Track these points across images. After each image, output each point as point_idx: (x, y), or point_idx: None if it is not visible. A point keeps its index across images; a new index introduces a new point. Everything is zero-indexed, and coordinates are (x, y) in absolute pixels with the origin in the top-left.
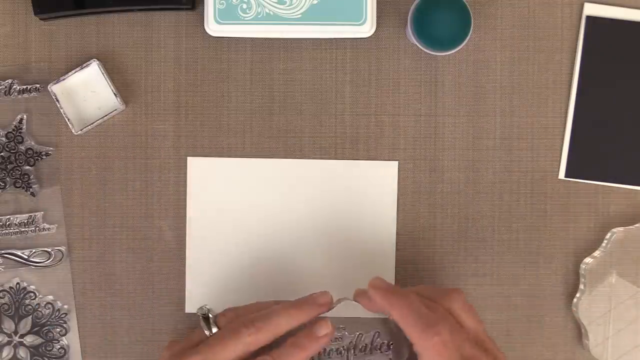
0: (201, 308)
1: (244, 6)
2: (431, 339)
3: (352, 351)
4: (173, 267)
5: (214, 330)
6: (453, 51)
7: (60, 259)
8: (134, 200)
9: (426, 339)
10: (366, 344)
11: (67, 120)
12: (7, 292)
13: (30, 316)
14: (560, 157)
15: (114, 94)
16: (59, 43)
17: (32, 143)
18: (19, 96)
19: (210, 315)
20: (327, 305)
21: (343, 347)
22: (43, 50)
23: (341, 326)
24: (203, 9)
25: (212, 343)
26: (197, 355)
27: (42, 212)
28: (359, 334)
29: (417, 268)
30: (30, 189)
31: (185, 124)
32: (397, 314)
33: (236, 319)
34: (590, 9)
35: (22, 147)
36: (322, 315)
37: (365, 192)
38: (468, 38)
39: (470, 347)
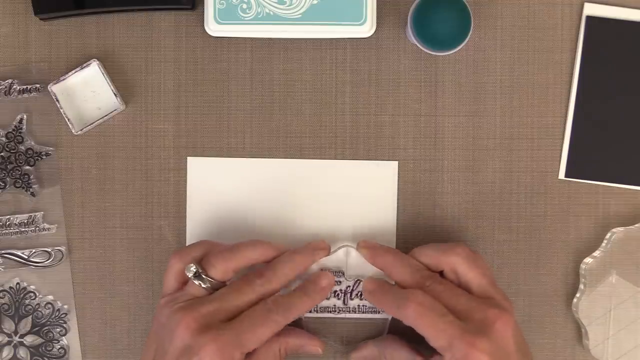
0: (189, 267)
1: (244, 6)
2: (407, 308)
3: (349, 295)
4: None
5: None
6: (453, 51)
7: (60, 259)
8: (134, 200)
9: (405, 310)
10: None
11: (67, 120)
12: (7, 292)
13: (30, 316)
14: (560, 157)
15: (114, 94)
16: (59, 43)
17: (32, 143)
18: (19, 96)
19: (199, 270)
20: (326, 250)
21: (341, 290)
22: (43, 50)
23: (341, 271)
24: (203, 9)
25: (226, 292)
26: (211, 303)
27: (42, 212)
28: (357, 280)
29: None
30: (30, 189)
31: (185, 124)
32: (380, 306)
33: (225, 262)
34: (590, 9)
35: (22, 147)
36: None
37: (365, 192)
38: (468, 38)
39: (466, 300)
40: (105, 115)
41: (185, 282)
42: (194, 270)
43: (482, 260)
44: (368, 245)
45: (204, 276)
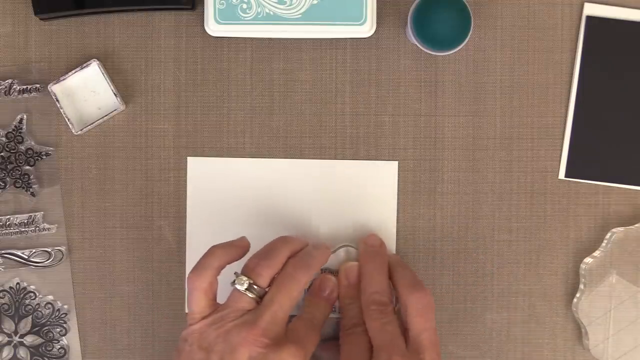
0: (239, 282)
1: (244, 6)
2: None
3: None
4: (173, 267)
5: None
6: (453, 51)
7: (60, 259)
8: (134, 200)
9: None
10: None
11: (67, 120)
12: (7, 292)
13: (30, 316)
14: (560, 157)
15: (114, 94)
16: (59, 43)
17: (32, 143)
18: (19, 96)
19: (251, 282)
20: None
21: None
22: (43, 50)
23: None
24: (203, 9)
25: (276, 297)
26: (267, 312)
27: (42, 212)
28: None
29: (417, 268)
30: (30, 189)
31: (185, 124)
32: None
33: (269, 269)
34: (590, 9)
35: (22, 147)
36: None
37: (365, 192)
38: (468, 38)
39: (387, 339)
40: (105, 115)
41: (215, 298)
42: (247, 283)
43: (429, 314)
44: (368, 242)
45: (254, 287)
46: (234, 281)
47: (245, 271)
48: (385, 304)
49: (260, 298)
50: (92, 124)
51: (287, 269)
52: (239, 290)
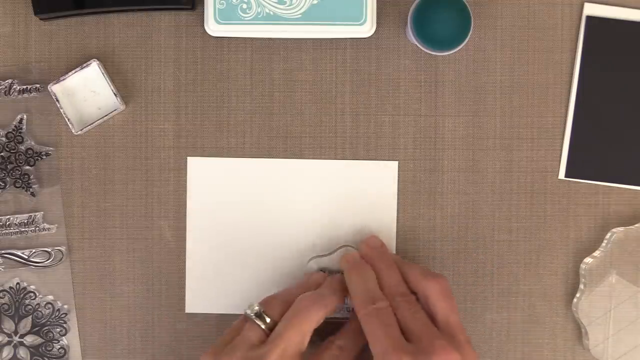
0: (251, 308)
1: (244, 6)
2: (361, 310)
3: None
4: (173, 267)
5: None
6: (453, 51)
7: (60, 259)
8: (134, 200)
9: (358, 310)
10: None
11: (67, 120)
12: (7, 292)
13: (30, 316)
14: (560, 157)
15: (114, 94)
16: (59, 43)
17: (32, 143)
18: (19, 96)
19: (262, 311)
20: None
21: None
22: (43, 50)
23: (341, 271)
24: (203, 9)
25: (285, 333)
26: (276, 350)
27: (42, 212)
28: None
29: None
30: (30, 189)
31: (185, 124)
32: (347, 284)
33: (283, 304)
34: (590, 9)
35: (22, 147)
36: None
37: (365, 192)
38: (468, 38)
39: (423, 325)
40: (105, 115)
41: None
42: (257, 309)
43: (451, 299)
44: (370, 244)
45: (265, 316)
46: (246, 310)
47: (261, 302)
48: (409, 294)
49: (269, 330)
50: (92, 124)
51: (298, 303)
52: (249, 317)
